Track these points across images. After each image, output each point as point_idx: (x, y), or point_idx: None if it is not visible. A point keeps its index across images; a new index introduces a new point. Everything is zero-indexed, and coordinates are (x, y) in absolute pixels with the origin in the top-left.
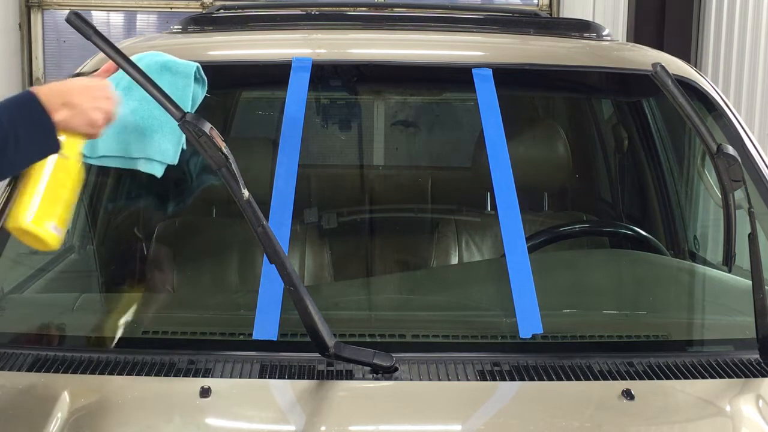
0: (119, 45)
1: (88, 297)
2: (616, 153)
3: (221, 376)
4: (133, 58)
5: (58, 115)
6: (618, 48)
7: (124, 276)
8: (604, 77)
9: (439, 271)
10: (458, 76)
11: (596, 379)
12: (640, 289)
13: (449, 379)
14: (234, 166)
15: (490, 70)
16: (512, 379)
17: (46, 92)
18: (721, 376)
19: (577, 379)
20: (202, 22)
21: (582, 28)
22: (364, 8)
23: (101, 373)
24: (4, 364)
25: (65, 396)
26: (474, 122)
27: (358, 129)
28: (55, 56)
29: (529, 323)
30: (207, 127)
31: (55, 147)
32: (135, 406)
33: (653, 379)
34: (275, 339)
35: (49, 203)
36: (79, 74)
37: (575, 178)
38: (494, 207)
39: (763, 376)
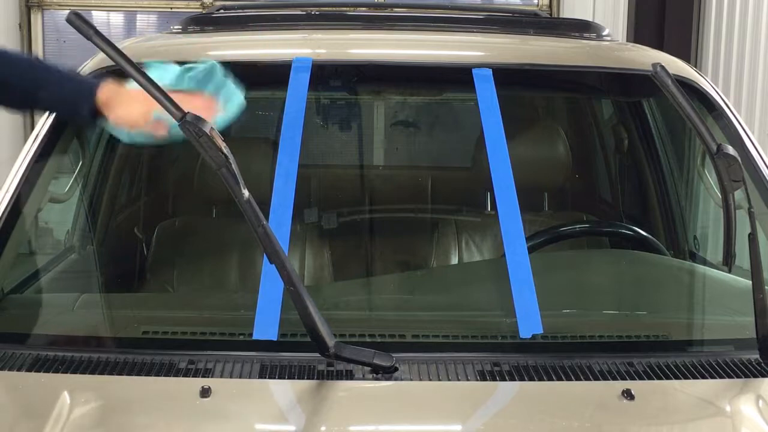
0: (119, 45)
1: (88, 297)
2: (616, 153)
3: (221, 376)
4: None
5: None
6: (618, 48)
7: (124, 276)
8: (604, 77)
9: (439, 271)
10: (458, 76)
11: (596, 379)
12: (640, 289)
13: (449, 379)
14: (234, 166)
15: (490, 70)
16: (512, 379)
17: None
18: (721, 376)
19: (577, 379)
20: (203, 22)
21: (582, 28)
22: (364, 8)
23: (101, 373)
24: (4, 364)
25: (65, 396)
26: (474, 122)
27: (358, 129)
28: (55, 56)
29: (529, 323)
30: (207, 127)
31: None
32: (135, 406)
33: (653, 379)
34: (275, 339)
35: None
36: None
37: (575, 178)
38: (494, 207)
39: (763, 376)
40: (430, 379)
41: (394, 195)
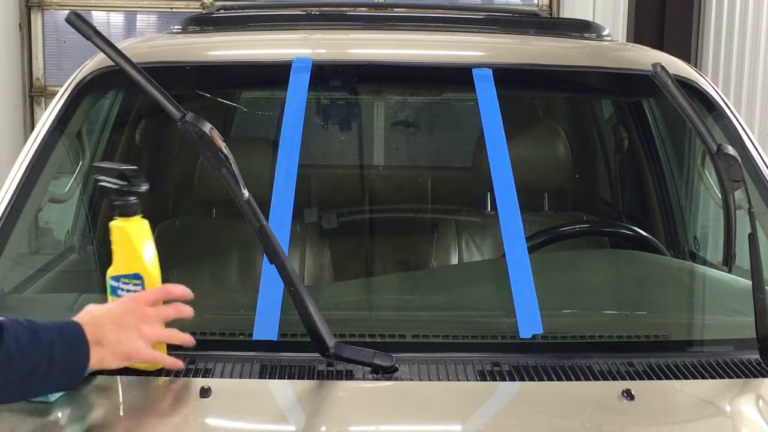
0: (119, 45)
1: (88, 297)
2: (616, 153)
3: (221, 376)
4: None
5: (93, 356)
6: (618, 48)
7: None
8: (604, 77)
9: (439, 272)
10: (458, 76)
11: (596, 379)
12: (640, 289)
13: (449, 379)
14: (234, 166)
15: (490, 70)
16: (512, 379)
17: (88, 325)
18: (721, 377)
19: (577, 379)
20: (203, 22)
21: (582, 28)
22: (364, 8)
23: (101, 373)
24: None
25: (65, 396)
26: (474, 122)
27: (358, 129)
28: (55, 56)
29: (529, 323)
30: (207, 127)
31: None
32: (135, 407)
33: (653, 379)
34: (275, 339)
35: None
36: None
37: (575, 178)
38: (494, 207)
39: (763, 376)
40: (430, 380)
41: (394, 195)
